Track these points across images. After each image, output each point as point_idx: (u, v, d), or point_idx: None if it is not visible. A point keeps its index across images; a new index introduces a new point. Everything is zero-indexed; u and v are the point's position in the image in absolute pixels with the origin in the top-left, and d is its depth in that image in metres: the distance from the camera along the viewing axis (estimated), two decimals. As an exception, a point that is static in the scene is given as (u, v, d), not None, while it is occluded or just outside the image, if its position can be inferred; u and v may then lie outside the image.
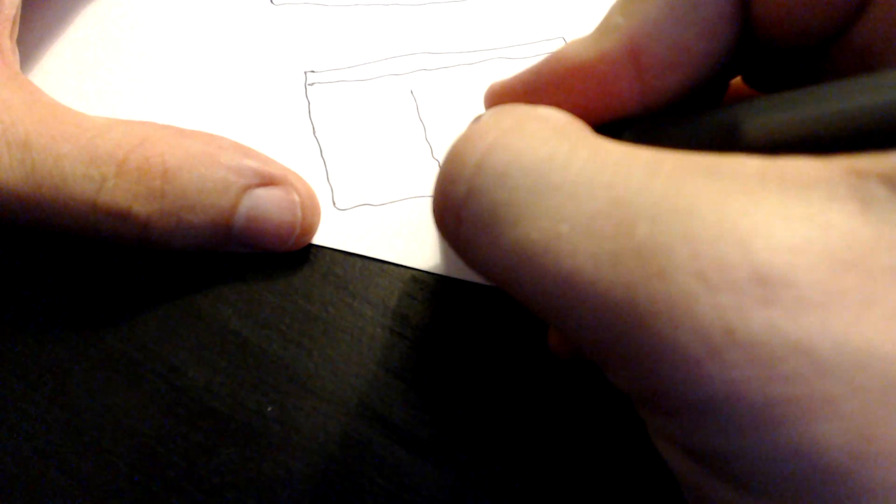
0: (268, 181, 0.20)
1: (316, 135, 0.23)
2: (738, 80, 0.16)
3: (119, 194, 0.18)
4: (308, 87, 0.24)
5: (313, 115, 0.23)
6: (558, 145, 0.12)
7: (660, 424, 0.11)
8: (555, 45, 0.25)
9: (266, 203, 0.20)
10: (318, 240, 0.21)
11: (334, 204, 0.22)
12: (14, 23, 0.20)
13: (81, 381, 0.19)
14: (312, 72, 0.24)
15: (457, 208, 0.13)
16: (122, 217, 0.18)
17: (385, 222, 0.22)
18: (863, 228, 0.10)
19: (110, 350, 0.19)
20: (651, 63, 0.13)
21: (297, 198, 0.20)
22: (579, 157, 0.12)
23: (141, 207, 0.18)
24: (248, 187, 0.19)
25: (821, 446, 0.09)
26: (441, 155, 0.23)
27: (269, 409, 0.19)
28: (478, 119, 0.15)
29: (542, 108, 0.14)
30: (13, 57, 0.20)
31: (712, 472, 0.11)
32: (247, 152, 0.20)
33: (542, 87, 0.15)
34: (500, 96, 0.16)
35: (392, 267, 0.21)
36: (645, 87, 0.14)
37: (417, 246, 0.21)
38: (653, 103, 0.14)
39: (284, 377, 0.19)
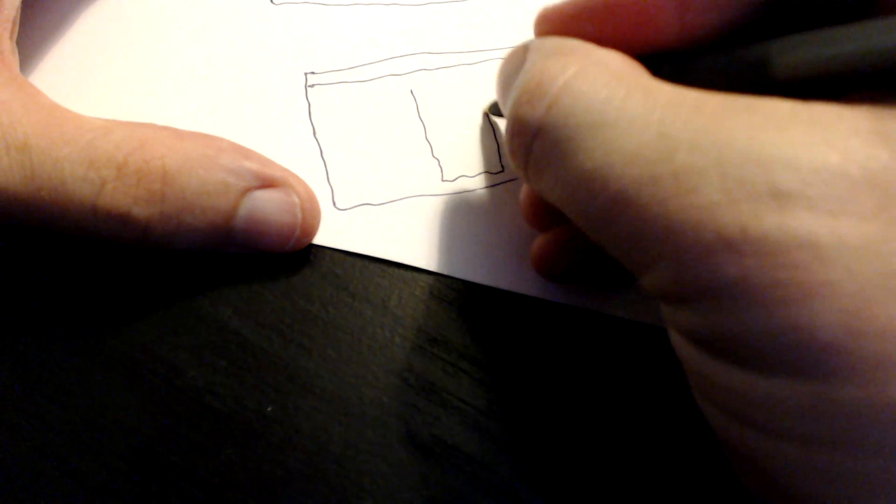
0: (267, 183, 0.20)
1: (316, 136, 0.23)
2: None
3: (119, 197, 0.18)
4: (308, 88, 0.24)
5: (313, 116, 0.23)
6: (616, 89, 0.13)
7: (680, 318, 0.13)
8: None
9: (266, 205, 0.20)
10: (318, 240, 0.21)
11: (334, 204, 0.22)
12: (14, 24, 0.20)
13: (81, 381, 0.19)
14: (312, 73, 0.24)
15: (528, 144, 0.15)
16: (121, 220, 0.18)
17: (385, 222, 0.22)
18: (881, 153, 0.11)
19: (110, 350, 0.19)
20: (693, 1, 0.14)
21: (296, 199, 0.20)
22: (634, 98, 0.13)
23: (140, 210, 0.18)
24: (247, 189, 0.19)
25: (818, 322, 0.11)
26: (440, 155, 0.23)
27: (269, 409, 0.19)
28: (527, 48, 0.16)
29: (603, 51, 0.15)
30: (13, 58, 0.20)
31: (720, 356, 0.12)
32: (246, 154, 0.20)
33: (592, 14, 0.16)
34: (552, 21, 0.16)
35: (392, 267, 0.21)
36: (685, 23, 0.15)
37: (417, 245, 0.21)
38: (692, 40, 0.15)
39: (284, 377, 0.19)
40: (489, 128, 0.23)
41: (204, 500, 0.18)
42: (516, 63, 0.16)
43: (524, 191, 0.20)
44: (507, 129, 0.16)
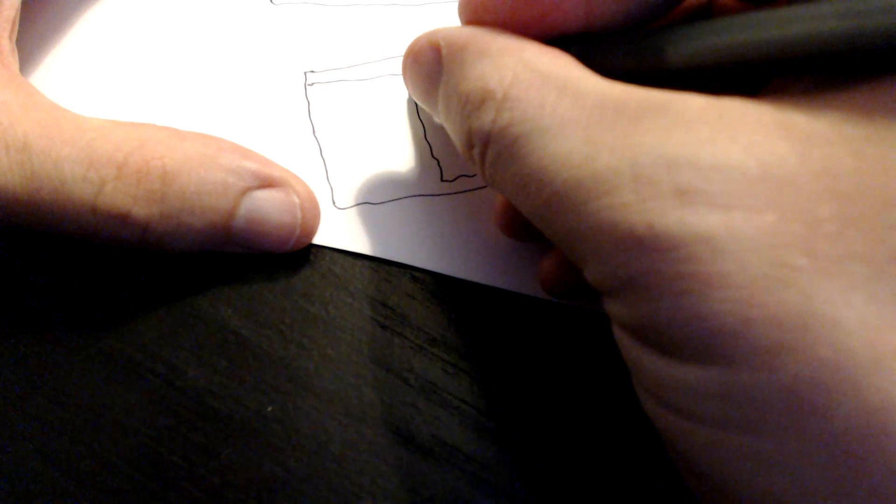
0: (267, 183, 0.20)
1: (315, 135, 0.23)
2: None
3: (118, 197, 0.18)
4: (308, 87, 0.24)
5: (313, 115, 0.23)
6: (547, 94, 0.14)
7: (612, 309, 0.14)
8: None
9: (265, 205, 0.20)
10: (318, 239, 0.21)
11: (334, 203, 0.22)
12: (13, 24, 0.20)
13: (81, 381, 0.19)
14: (312, 72, 0.24)
15: (482, 152, 0.16)
16: (121, 220, 0.18)
17: (385, 221, 0.22)
18: (780, 146, 0.12)
19: (110, 350, 0.19)
20: None
21: (296, 199, 0.20)
22: (563, 103, 0.14)
23: (140, 210, 0.18)
24: (247, 189, 0.19)
25: (715, 311, 0.11)
26: (440, 154, 0.23)
27: (269, 409, 0.19)
28: (437, 45, 0.17)
29: (531, 48, 0.16)
30: (12, 59, 0.20)
31: (644, 343, 0.13)
32: (246, 154, 0.20)
33: (505, 1, 0.17)
34: (473, 7, 0.17)
35: (392, 266, 0.21)
36: (591, 10, 0.16)
37: (417, 245, 0.21)
38: (596, 26, 0.16)
39: (284, 377, 0.19)
40: None
41: (204, 500, 0.18)
42: (430, 62, 0.17)
43: (497, 200, 0.21)
44: (459, 139, 0.17)
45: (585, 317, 0.21)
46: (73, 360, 0.19)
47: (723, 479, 0.12)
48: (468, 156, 0.17)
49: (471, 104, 0.16)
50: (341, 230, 0.22)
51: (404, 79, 0.19)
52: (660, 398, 0.13)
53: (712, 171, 0.12)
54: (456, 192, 0.22)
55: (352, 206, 0.22)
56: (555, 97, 0.14)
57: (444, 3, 0.26)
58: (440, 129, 0.23)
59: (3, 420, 0.18)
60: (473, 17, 0.17)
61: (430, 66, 0.17)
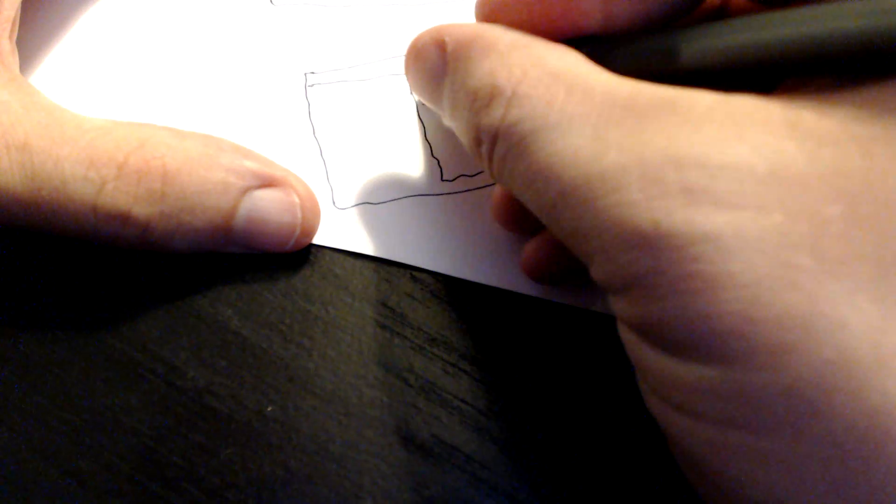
0: (268, 182, 0.20)
1: (316, 135, 0.23)
2: None
3: (119, 197, 0.18)
4: (308, 88, 0.24)
5: (313, 115, 0.23)
6: (556, 91, 0.14)
7: (618, 306, 0.14)
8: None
9: (266, 204, 0.20)
10: (318, 240, 0.21)
11: (334, 203, 0.22)
12: (13, 24, 0.20)
13: (81, 381, 0.19)
14: (312, 73, 0.24)
15: (490, 148, 0.16)
16: (122, 219, 0.18)
17: (385, 221, 0.22)
18: (788, 144, 0.12)
19: (110, 350, 0.19)
20: None
21: (296, 199, 0.20)
22: (572, 100, 0.14)
23: (141, 210, 0.18)
24: (247, 189, 0.19)
25: (720, 311, 0.11)
26: (440, 154, 0.23)
27: (269, 409, 0.19)
28: (442, 43, 0.17)
29: (539, 44, 0.15)
30: (12, 59, 0.20)
31: (648, 341, 0.13)
32: (246, 154, 0.20)
33: (521, 1, 0.17)
34: (489, 6, 0.17)
35: (392, 266, 0.21)
36: (608, 11, 0.15)
37: (417, 245, 0.21)
38: (614, 27, 0.16)
39: (284, 377, 0.19)
40: None
41: (204, 500, 0.18)
42: (434, 59, 0.17)
43: (495, 193, 0.21)
44: (466, 136, 0.17)
45: (586, 317, 0.21)
46: (73, 360, 0.19)
47: (725, 478, 0.12)
48: (476, 153, 0.17)
49: (479, 101, 0.15)
50: (341, 230, 0.22)
51: (407, 76, 0.19)
52: (664, 396, 0.13)
53: (720, 170, 0.12)
54: (456, 192, 0.22)
55: (352, 206, 0.22)
56: (564, 94, 0.14)
57: (444, 2, 0.26)
58: (440, 129, 0.23)
59: (3, 420, 0.18)
60: (490, 16, 0.17)
61: (434, 62, 0.17)
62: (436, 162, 0.23)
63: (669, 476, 0.19)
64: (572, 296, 0.21)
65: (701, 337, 0.12)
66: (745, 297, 0.11)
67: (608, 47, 0.16)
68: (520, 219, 0.20)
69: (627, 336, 0.14)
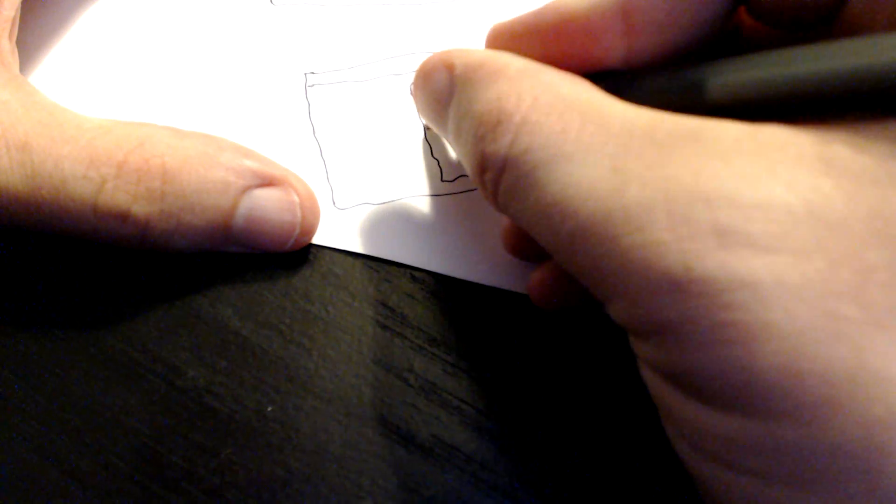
0: (267, 182, 0.20)
1: (316, 135, 0.23)
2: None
3: (119, 196, 0.18)
4: (308, 88, 0.24)
5: (313, 116, 0.23)
6: (570, 120, 0.13)
7: (641, 349, 0.13)
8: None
9: (265, 204, 0.20)
10: (318, 239, 0.21)
11: (334, 203, 0.22)
12: (13, 24, 0.20)
13: (81, 381, 0.19)
14: (312, 73, 0.24)
15: (496, 178, 0.15)
16: (121, 218, 0.18)
17: (385, 221, 0.22)
18: (824, 183, 0.11)
19: (110, 350, 0.19)
20: (640, 24, 0.14)
21: (296, 198, 0.20)
22: (587, 129, 0.13)
23: (140, 209, 0.18)
24: (247, 188, 0.19)
25: (760, 364, 0.11)
26: (440, 155, 0.23)
27: (269, 409, 0.19)
28: (451, 66, 0.16)
29: (550, 73, 0.15)
30: (12, 58, 0.20)
31: (681, 389, 0.12)
32: (246, 153, 0.20)
33: (539, 32, 0.16)
34: (503, 37, 0.17)
35: (392, 266, 0.21)
36: (631, 45, 0.15)
37: (417, 245, 0.21)
38: (636, 62, 0.15)
39: (284, 377, 0.19)
40: None
41: (204, 500, 0.18)
42: (441, 82, 0.17)
43: (504, 222, 0.20)
44: (471, 164, 0.16)
45: (586, 317, 0.21)
46: (73, 360, 0.19)
47: None
48: (479, 181, 0.16)
49: (485, 126, 0.15)
50: (341, 230, 0.22)
51: (414, 98, 0.19)
52: (696, 444, 0.13)
53: (754, 210, 0.11)
54: (456, 192, 0.22)
55: (352, 207, 0.22)
56: (578, 122, 0.13)
57: (444, 2, 0.26)
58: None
59: (3, 420, 0.18)
60: (503, 49, 0.16)
61: (442, 85, 0.17)
62: (436, 162, 0.23)
63: (670, 476, 0.19)
64: (572, 296, 0.21)
65: (740, 390, 0.11)
66: (788, 350, 0.11)
67: (626, 81, 0.15)
68: (533, 248, 0.19)
69: (652, 379, 0.13)
